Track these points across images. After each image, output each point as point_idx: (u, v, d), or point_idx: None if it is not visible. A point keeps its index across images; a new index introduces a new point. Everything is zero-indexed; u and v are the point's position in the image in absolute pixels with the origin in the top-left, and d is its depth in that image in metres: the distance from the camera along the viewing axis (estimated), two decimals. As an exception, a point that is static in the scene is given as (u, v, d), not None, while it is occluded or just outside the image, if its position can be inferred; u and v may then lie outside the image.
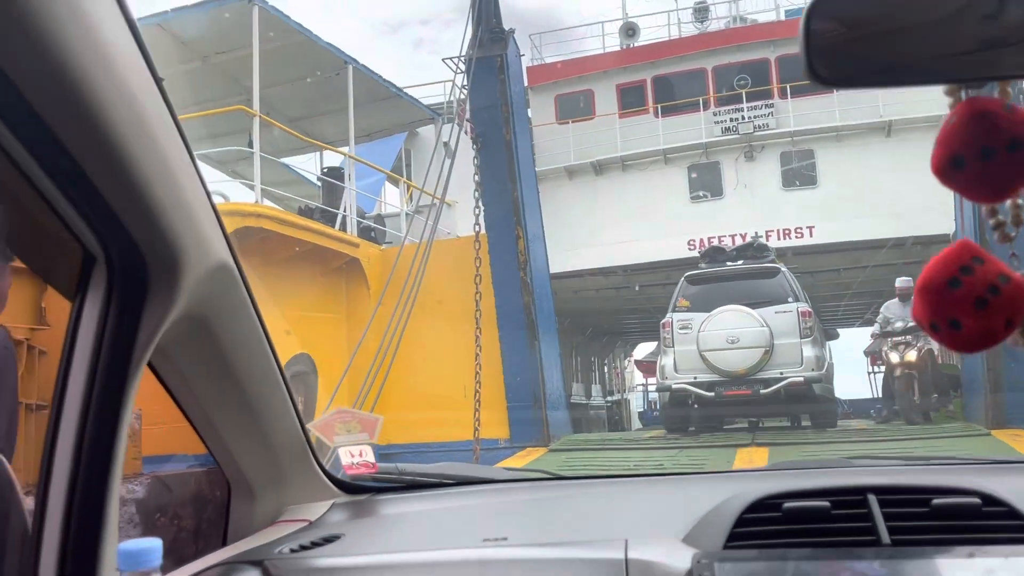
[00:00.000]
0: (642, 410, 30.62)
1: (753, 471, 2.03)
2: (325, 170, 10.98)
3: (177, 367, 1.17)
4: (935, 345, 8.74)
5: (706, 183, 17.57)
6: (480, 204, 8.24)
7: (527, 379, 8.49)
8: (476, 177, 8.35)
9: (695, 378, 8.20)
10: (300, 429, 1.48)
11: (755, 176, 17.13)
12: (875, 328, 9.38)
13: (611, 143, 17.88)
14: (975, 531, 1.06)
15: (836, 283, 15.90)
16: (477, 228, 8.16)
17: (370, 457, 1.72)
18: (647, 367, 30.72)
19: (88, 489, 0.88)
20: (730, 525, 1.12)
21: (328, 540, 1.32)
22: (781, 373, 7.99)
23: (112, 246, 0.89)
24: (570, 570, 1.12)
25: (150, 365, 1.06)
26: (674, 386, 8.34)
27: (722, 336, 8.16)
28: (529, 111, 12.62)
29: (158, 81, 0.88)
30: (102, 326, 0.90)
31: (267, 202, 9.37)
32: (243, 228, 7.87)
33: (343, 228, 9.60)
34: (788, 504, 1.12)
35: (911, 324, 8.54)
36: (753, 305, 8.27)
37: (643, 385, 32.66)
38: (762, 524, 1.12)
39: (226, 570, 1.17)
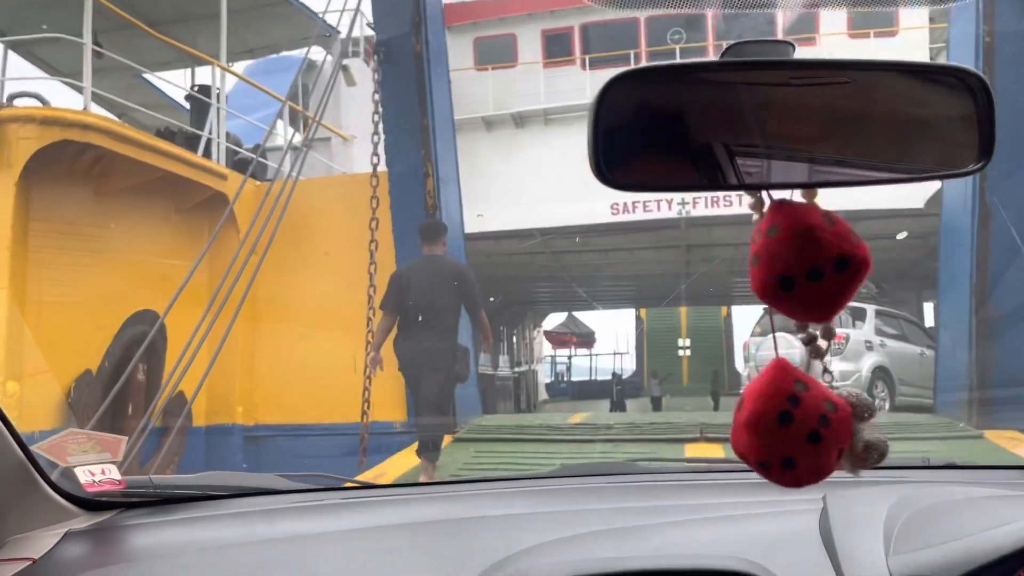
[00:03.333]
0: (550, 381, 29.97)
1: (546, 479, 1.83)
2: (195, 88, 9.03)
3: None
4: None
5: (633, 143, 16.53)
6: (379, 131, 6.61)
7: (430, 350, 7.01)
8: (376, 96, 6.68)
9: None
10: (16, 447, 1.30)
11: (684, 138, 16.16)
12: None
13: (534, 94, 16.75)
14: None
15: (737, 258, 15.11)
16: (375, 160, 6.54)
17: (115, 475, 1.49)
18: (557, 339, 30.06)
19: None
20: None
21: None
22: None
23: None
24: None
25: None
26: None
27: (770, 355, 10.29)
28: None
29: None
30: None
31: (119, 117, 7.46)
32: (63, 142, 6.02)
33: (207, 155, 7.74)
34: None
35: None
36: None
37: (552, 356, 32.01)
38: None
39: None
